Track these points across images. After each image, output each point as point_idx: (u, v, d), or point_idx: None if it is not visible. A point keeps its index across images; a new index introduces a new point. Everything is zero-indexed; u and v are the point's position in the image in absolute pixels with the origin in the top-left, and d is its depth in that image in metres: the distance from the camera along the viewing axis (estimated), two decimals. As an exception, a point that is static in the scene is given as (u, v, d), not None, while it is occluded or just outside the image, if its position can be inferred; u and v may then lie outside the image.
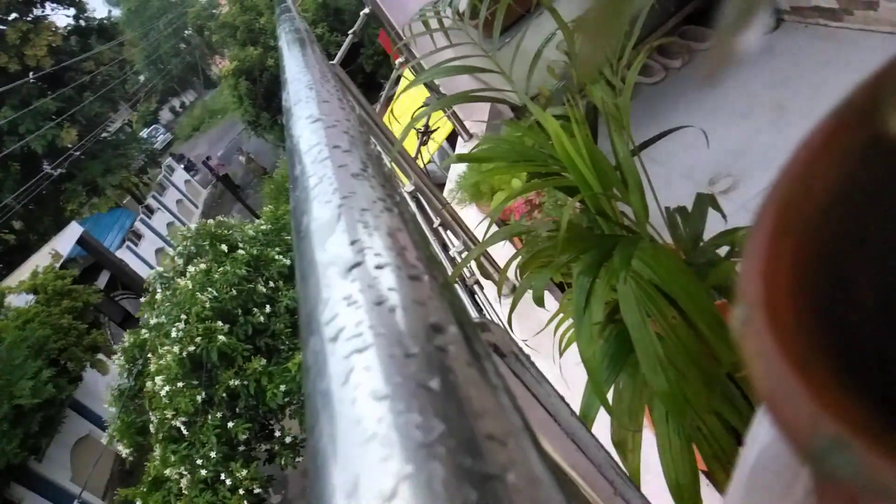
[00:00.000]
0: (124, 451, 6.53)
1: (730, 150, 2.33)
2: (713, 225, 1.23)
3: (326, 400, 0.20)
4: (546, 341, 1.28)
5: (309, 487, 0.19)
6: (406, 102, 3.64)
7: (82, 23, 19.75)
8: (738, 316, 0.17)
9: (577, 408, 1.06)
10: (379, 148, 1.65)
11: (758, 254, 0.17)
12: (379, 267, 0.25)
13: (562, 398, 0.54)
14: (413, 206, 1.84)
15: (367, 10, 2.51)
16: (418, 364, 0.20)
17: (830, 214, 0.18)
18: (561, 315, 1.24)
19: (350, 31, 2.50)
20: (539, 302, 1.07)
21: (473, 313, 1.46)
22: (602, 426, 0.98)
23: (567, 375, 1.25)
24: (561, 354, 1.19)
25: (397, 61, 3.04)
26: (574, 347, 1.13)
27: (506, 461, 0.16)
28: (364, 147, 0.43)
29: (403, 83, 3.13)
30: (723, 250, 1.11)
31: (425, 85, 2.79)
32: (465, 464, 0.16)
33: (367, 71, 14.29)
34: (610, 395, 1.01)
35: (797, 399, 0.14)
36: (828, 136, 0.19)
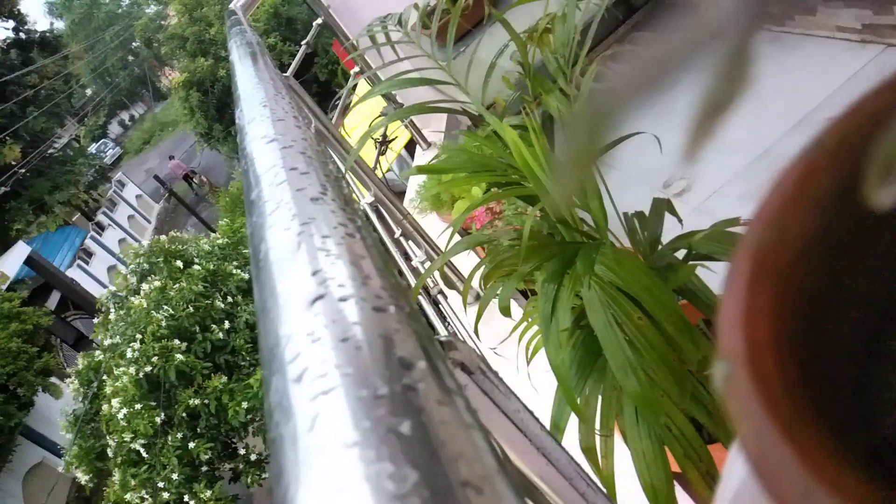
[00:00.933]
0: (83, 477, 6.29)
1: (682, 153, 2.38)
2: (670, 228, 1.25)
3: (293, 446, 0.19)
4: (512, 348, 1.28)
5: (276, 543, 0.18)
6: (363, 111, 3.62)
7: (22, 35, 19.09)
8: (720, 371, 0.16)
9: (546, 415, 1.06)
10: (337, 161, 1.63)
11: (736, 303, 0.17)
12: (343, 299, 0.25)
13: (531, 413, 0.54)
14: (373, 217, 1.82)
15: (319, 21, 2.49)
16: (388, 406, 0.19)
17: (807, 259, 0.18)
18: (526, 322, 1.24)
19: (303, 42, 2.47)
20: (506, 312, 1.07)
21: (438, 325, 1.45)
22: (574, 435, 0.99)
23: (535, 382, 1.25)
24: (528, 362, 1.19)
25: (352, 70, 3.03)
26: (541, 353, 1.13)
27: (484, 511, 0.16)
28: (322, 168, 0.42)
29: (359, 91, 3.11)
30: (680, 253, 1.13)
31: (382, 95, 2.78)
32: (442, 516, 0.15)
33: (321, 80, 14.20)
34: (579, 402, 1.01)
35: (789, 469, 0.14)
36: (799, 181, 0.19)
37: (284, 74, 1.63)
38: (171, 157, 22.63)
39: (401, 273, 1.61)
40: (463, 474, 0.17)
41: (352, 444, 0.18)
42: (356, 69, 2.93)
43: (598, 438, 0.99)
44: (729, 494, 0.25)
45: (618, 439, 1.01)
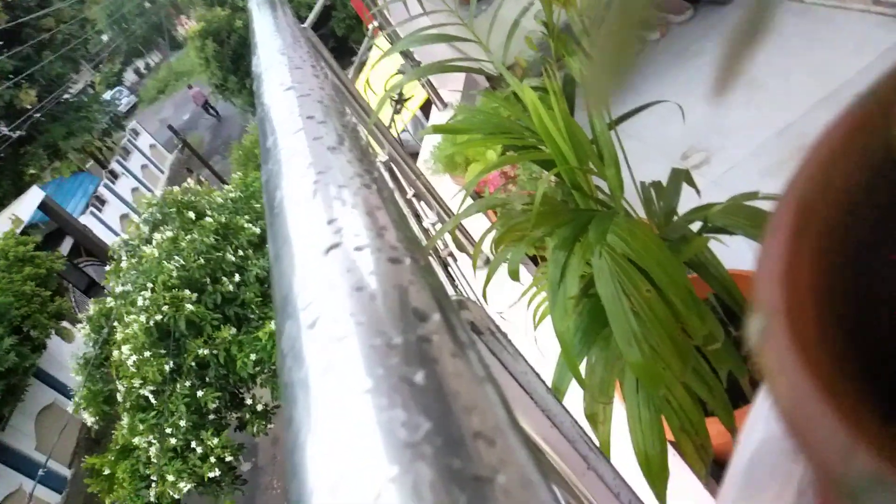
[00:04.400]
0: (90, 419, 6.44)
1: (703, 125, 2.34)
2: (686, 200, 1.24)
3: (304, 392, 0.19)
4: (520, 312, 1.28)
5: (287, 484, 0.18)
6: (380, 69, 3.57)
7: (40, -23, 18.84)
8: (756, 325, 0.16)
9: (550, 379, 1.07)
10: (353, 118, 1.61)
11: (776, 256, 0.16)
12: (358, 249, 0.24)
13: (537, 375, 0.54)
14: (387, 176, 1.81)
15: (340, -27, 2.43)
16: (401, 355, 0.19)
17: (852, 216, 0.17)
18: (535, 288, 1.24)
19: (322, -7, 2.42)
20: (514, 276, 1.07)
21: (448, 288, 1.46)
22: (575, 399, 0.99)
23: (542, 346, 1.26)
24: (535, 327, 1.19)
25: (370, 26, 2.97)
26: (548, 319, 1.13)
27: (495, 462, 0.16)
28: (339, 118, 0.41)
29: (376, 49, 3.06)
30: (695, 226, 1.12)
31: (400, 52, 2.73)
32: (454, 465, 0.15)
33: (338, 35, 13.97)
34: (582, 368, 1.02)
35: (828, 427, 0.13)
36: (849, 132, 0.18)
37: (302, 26, 1.60)
38: (190, 87, 24.03)
39: (412, 233, 1.61)
40: (475, 425, 0.17)
41: (364, 391, 0.18)
42: (374, 24, 2.87)
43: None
44: (747, 454, 0.25)
45: (618, 406, 1.02)
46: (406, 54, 2.89)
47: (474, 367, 0.19)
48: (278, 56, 0.55)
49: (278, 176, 0.34)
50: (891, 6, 2.08)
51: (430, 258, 1.61)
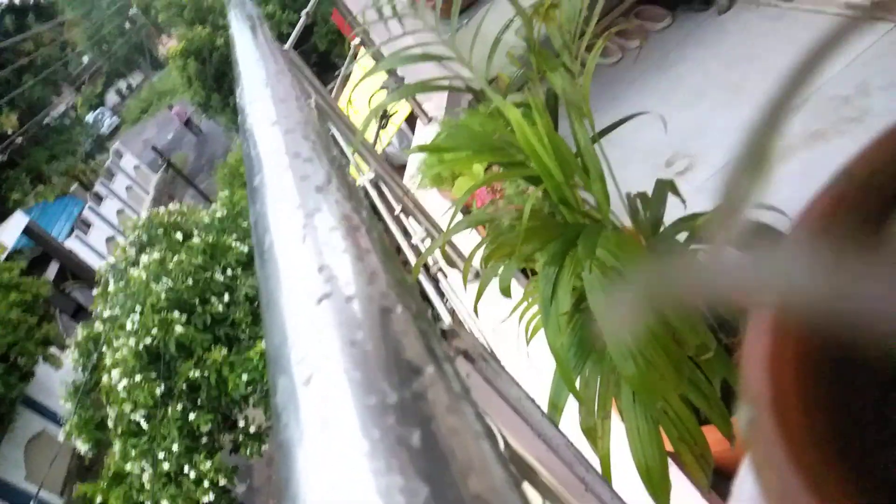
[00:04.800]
0: (83, 447, 6.36)
1: (686, 131, 2.37)
2: (672, 207, 1.25)
3: (301, 452, 0.19)
4: (513, 327, 1.28)
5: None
6: (365, 83, 3.57)
7: (17, 1, 18.78)
8: (744, 415, 0.16)
9: (546, 394, 1.07)
10: (339, 138, 1.61)
11: (760, 346, 0.16)
12: (349, 299, 0.24)
13: (532, 400, 0.54)
14: (374, 193, 1.81)
15: (320, -9, 2.44)
16: (397, 415, 0.18)
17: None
18: (526, 303, 1.24)
19: (304, 12, 2.43)
20: (506, 293, 1.07)
21: (438, 304, 1.46)
22: (571, 414, 0.99)
23: (535, 361, 1.26)
24: (528, 342, 1.19)
25: (353, 42, 2.98)
26: (541, 332, 1.13)
27: (495, 527, 0.16)
28: (326, 153, 0.41)
29: (360, 65, 3.07)
30: (683, 235, 1.13)
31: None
32: (454, 534, 0.15)
33: (320, 50, 14.00)
34: (578, 383, 1.02)
35: None
36: (823, 216, 0.18)
37: (284, 47, 1.60)
38: (170, 107, 24.87)
39: (399, 250, 1.61)
40: (473, 488, 0.17)
41: (361, 454, 0.18)
42: (356, 41, 2.88)
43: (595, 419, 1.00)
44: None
45: (616, 420, 1.02)
46: (390, 70, 2.90)
47: (470, 422, 0.19)
48: (262, 89, 0.55)
49: (266, 218, 0.34)
50: (864, 9, 2.12)
51: (420, 275, 1.61)
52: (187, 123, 24.00)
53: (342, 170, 0.39)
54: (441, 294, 1.69)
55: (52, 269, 14.53)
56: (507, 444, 0.52)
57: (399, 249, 1.77)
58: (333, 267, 0.27)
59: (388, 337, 0.22)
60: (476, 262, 1.33)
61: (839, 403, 0.17)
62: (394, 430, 0.18)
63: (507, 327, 1.33)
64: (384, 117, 3.00)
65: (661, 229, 1.16)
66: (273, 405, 0.23)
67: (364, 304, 0.24)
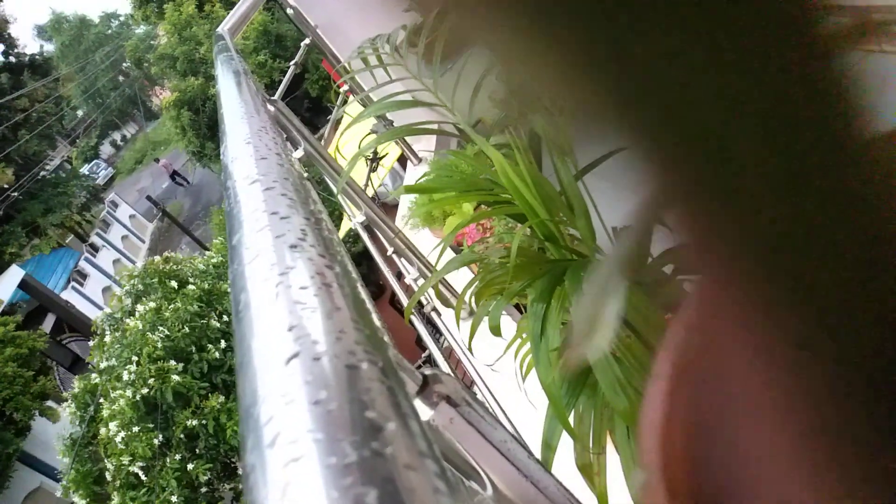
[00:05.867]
0: (81, 502, 6.23)
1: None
2: (658, 239, 1.26)
3: (266, 516, 0.20)
4: (509, 363, 1.28)
5: None
6: (354, 129, 3.62)
7: (12, 59, 19.12)
8: (638, 480, 0.17)
9: (541, 431, 1.06)
10: (329, 182, 1.63)
11: (654, 410, 0.17)
12: (316, 358, 0.25)
13: (518, 441, 0.54)
14: (365, 235, 1.83)
15: (307, 41, 2.51)
16: (355, 475, 0.19)
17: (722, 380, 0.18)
18: (520, 339, 1.25)
19: (292, 62, 2.49)
20: (496, 332, 1.08)
21: (431, 344, 1.46)
22: (567, 452, 0.99)
23: (532, 397, 1.25)
24: (524, 378, 1.19)
25: (342, 89, 3.04)
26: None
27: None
28: (304, 209, 0.43)
29: (349, 110, 3.13)
30: (669, 267, 1.14)
31: (371, 112, 2.79)
32: None
33: (312, 96, 14.24)
34: (571, 419, 1.02)
35: None
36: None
37: (272, 98, 1.64)
38: (157, 160, 26.08)
39: (394, 295, 1.61)
40: (427, 546, 0.17)
41: (320, 515, 0.18)
42: (346, 87, 2.94)
43: (590, 455, 0.99)
44: None
45: (612, 454, 1.01)
46: (379, 115, 2.95)
47: (430, 480, 0.20)
48: (244, 146, 0.57)
49: (243, 277, 0.35)
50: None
51: (413, 315, 1.61)
52: (174, 176, 24.88)
53: (319, 224, 0.41)
54: (437, 333, 1.69)
55: (49, 322, 14.44)
56: (494, 487, 0.53)
57: (393, 293, 1.78)
58: (302, 326, 0.27)
59: (352, 395, 0.23)
60: (469, 299, 1.34)
61: (728, 462, 0.17)
62: (352, 490, 0.19)
63: (505, 364, 1.33)
64: (375, 160, 3.05)
65: (649, 261, 1.17)
66: (242, 468, 0.23)
67: (330, 362, 0.25)
